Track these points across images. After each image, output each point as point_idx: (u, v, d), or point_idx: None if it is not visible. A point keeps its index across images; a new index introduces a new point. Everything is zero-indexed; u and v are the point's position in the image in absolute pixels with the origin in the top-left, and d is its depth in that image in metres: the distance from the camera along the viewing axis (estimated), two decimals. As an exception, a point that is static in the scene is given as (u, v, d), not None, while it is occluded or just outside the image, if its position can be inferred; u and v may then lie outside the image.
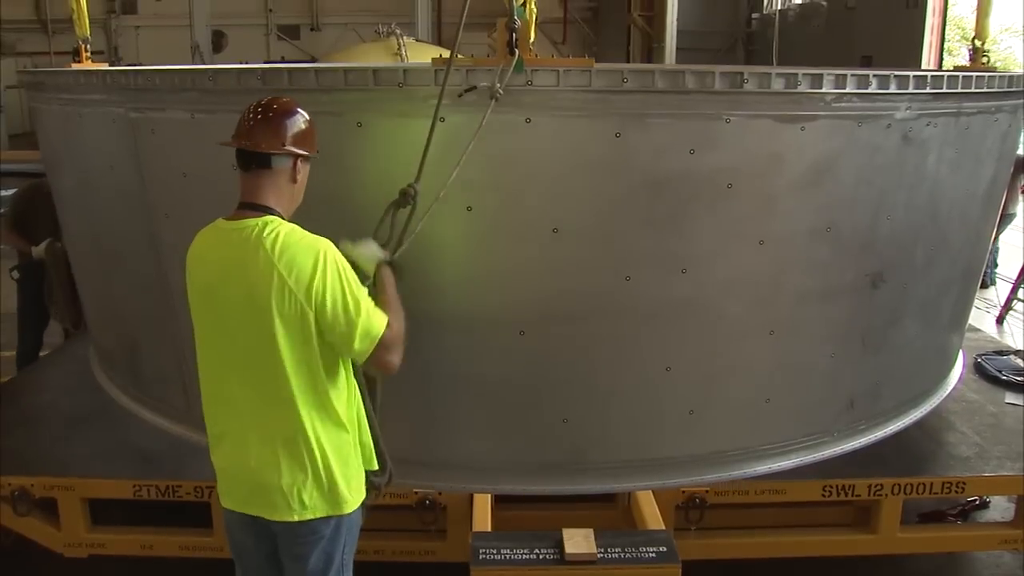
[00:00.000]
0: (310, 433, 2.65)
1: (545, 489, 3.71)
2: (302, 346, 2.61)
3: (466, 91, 3.11)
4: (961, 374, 4.99)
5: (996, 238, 9.59)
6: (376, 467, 2.89)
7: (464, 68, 3.16)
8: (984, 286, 9.50)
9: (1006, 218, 9.15)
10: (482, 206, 3.27)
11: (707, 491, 3.53)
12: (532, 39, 3.24)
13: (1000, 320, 8.86)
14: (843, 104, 3.39)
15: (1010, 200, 9.16)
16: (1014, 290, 8.96)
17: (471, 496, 3.48)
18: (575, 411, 3.62)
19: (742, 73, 3.23)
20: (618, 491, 3.72)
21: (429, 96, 3.21)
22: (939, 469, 3.80)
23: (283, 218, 2.71)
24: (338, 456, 2.71)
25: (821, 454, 3.99)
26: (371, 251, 2.90)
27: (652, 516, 3.34)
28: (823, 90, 3.33)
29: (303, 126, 2.78)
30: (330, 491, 2.70)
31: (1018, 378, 4.68)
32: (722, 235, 3.46)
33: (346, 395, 2.76)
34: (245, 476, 2.75)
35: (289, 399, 2.64)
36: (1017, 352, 5.11)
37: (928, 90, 3.53)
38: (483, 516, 3.35)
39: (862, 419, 4.11)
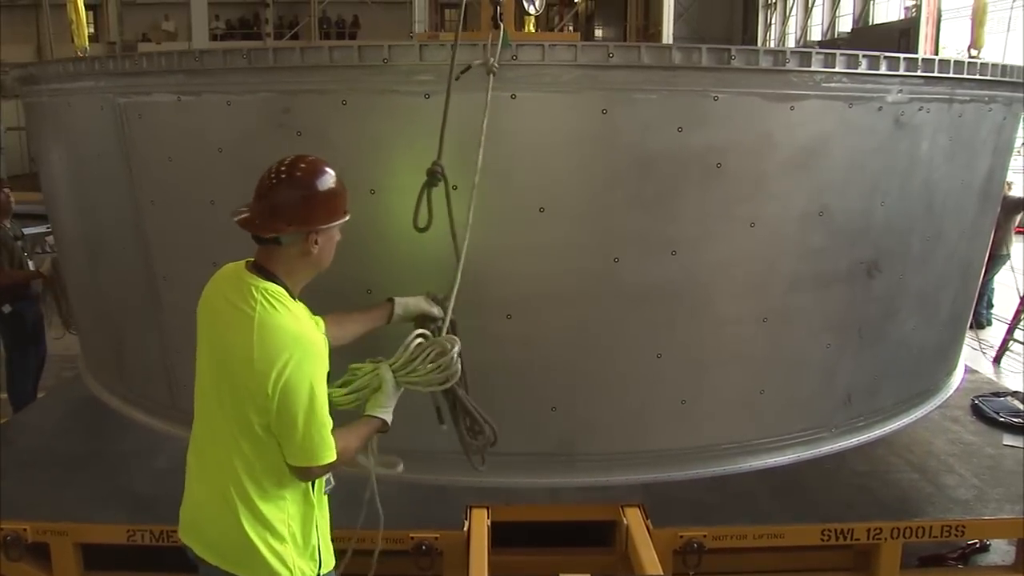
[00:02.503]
0: (245, 495, 2.50)
1: (534, 482, 3.61)
2: (247, 423, 2.46)
3: (463, 72, 3.09)
4: (963, 377, 4.89)
5: (991, 279, 9.52)
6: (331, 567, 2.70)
7: (449, 44, 3.14)
8: (980, 327, 9.40)
9: (1000, 259, 9.07)
10: (466, 185, 3.21)
11: (705, 535, 3.47)
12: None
13: (997, 361, 8.76)
14: (833, 84, 3.36)
15: (1003, 241, 9.12)
16: (1010, 331, 8.87)
17: (467, 540, 3.40)
18: (564, 399, 3.54)
19: (729, 50, 3.20)
20: (608, 484, 3.61)
21: (413, 72, 3.21)
22: (938, 512, 3.69)
23: (288, 289, 2.52)
24: (265, 528, 2.53)
25: (818, 450, 3.90)
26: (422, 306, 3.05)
27: (650, 561, 3.22)
28: (812, 69, 3.30)
29: (321, 195, 2.51)
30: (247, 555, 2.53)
31: (1016, 420, 4.56)
32: (712, 216, 3.40)
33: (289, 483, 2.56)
34: (187, 502, 2.71)
35: (227, 447, 2.51)
36: (1015, 394, 4.98)
37: (919, 73, 3.50)
38: (479, 561, 3.24)
39: (860, 415, 4.01)
